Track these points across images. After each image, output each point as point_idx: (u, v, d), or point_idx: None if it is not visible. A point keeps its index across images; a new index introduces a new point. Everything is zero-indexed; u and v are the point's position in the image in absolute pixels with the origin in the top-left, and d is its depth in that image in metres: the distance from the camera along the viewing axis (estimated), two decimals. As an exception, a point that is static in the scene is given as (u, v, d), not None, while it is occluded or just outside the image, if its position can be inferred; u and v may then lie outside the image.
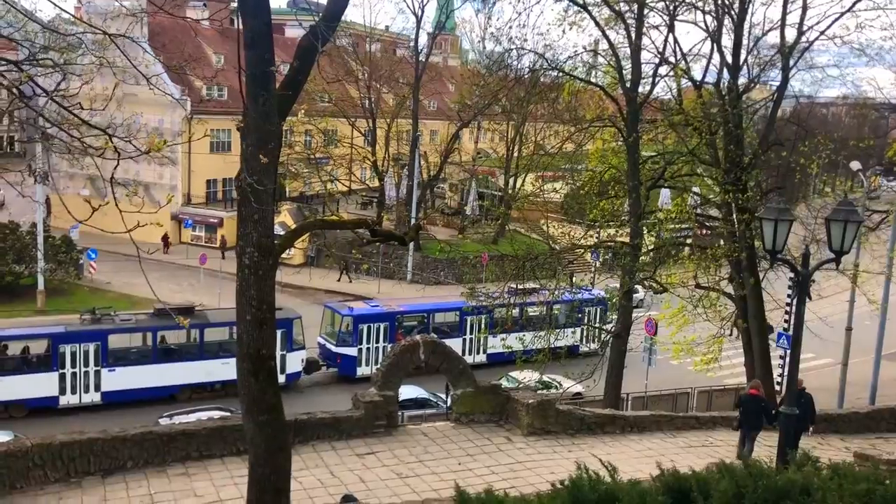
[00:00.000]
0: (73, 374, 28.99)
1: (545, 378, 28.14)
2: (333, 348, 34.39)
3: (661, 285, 24.70)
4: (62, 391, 28.94)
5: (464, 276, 50.51)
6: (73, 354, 28.97)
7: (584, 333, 36.53)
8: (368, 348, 34.20)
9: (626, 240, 24.93)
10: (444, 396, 23.10)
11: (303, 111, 49.53)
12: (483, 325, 35.19)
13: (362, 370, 33.74)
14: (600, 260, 45.74)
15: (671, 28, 23.63)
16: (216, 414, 23.89)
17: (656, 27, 24.30)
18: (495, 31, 50.96)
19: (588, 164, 28.69)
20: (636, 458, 16.15)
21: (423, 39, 60.72)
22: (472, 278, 48.21)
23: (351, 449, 15.84)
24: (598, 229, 27.78)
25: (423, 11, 61.04)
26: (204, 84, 56.97)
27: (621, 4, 23.33)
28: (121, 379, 29.57)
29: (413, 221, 50.06)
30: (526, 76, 25.97)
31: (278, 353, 31.45)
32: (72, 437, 14.30)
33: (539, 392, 23.25)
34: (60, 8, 12.54)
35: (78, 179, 51.58)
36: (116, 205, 9.02)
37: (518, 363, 25.58)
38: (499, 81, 31.22)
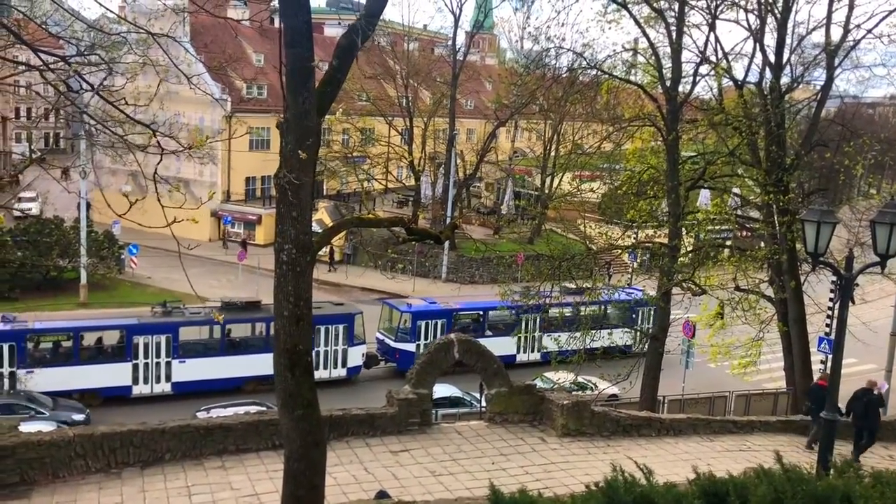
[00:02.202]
0: (146, 365, 30.13)
1: (580, 379, 27.97)
2: (392, 343, 35.02)
3: (699, 287, 24.40)
4: (135, 381, 30.04)
5: (499, 275, 50.40)
6: (146, 346, 30.11)
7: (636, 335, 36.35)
8: (426, 344, 34.55)
9: (665, 241, 24.66)
10: (477, 396, 23.09)
11: (341, 110, 49.70)
12: (537, 324, 35.27)
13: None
14: (638, 261, 45.33)
15: (712, 27, 23.35)
16: (253, 408, 24.20)
17: (697, 26, 24.03)
18: (534, 29, 50.82)
19: (626, 163, 28.40)
20: (672, 462, 15.99)
21: (461, 38, 60.78)
22: (508, 278, 48.08)
23: (385, 446, 15.91)
24: (635, 230, 27.51)
25: (461, 10, 61.32)
26: (244, 83, 57.67)
27: (662, 2, 23.10)
28: (190, 370, 30.50)
29: (448, 220, 50.12)
30: (564, 75, 25.81)
31: (340, 347, 33.07)
32: (112, 428, 14.57)
33: (574, 393, 23.09)
34: (105, 7, 12.80)
35: (120, 176, 52.56)
36: (159, 200, 9.18)
37: (553, 364, 25.47)
38: (537, 80, 31.06)
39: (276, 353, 10.46)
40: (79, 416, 26.56)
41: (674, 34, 23.04)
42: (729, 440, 18.58)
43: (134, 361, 29.92)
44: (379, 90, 61.01)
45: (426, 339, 34.49)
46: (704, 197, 40.05)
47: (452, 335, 18.21)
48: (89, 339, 30.57)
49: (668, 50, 23.43)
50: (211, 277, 44.85)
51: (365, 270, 51.60)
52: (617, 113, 30.73)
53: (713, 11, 23.02)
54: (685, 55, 23.68)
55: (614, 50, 26.01)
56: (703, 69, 24.06)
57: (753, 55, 23.82)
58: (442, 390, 25.05)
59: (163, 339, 30.26)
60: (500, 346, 29.94)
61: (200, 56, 51.06)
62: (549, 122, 59.43)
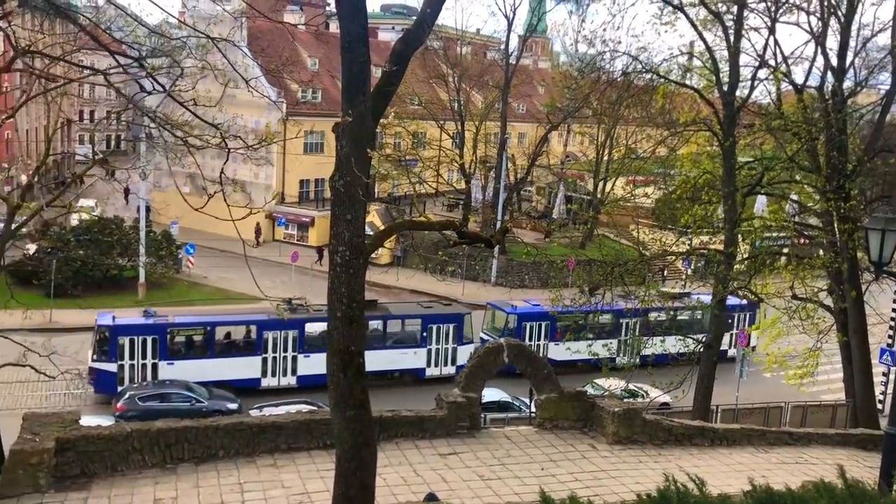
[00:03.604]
0: (274, 359, 31.66)
1: (631, 387, 27.65)
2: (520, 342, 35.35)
3: (755, 295, 23.89)
4: (264, 373, 31.55)
5: (549, 280, 50.11)
6: (275, 340, 31.62)
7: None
8: (531, 345, 35.10)
9: (720, 247, 24.22)
10: (527, 401, 22.99)
11: (393, 113, 50.12)
12: (638, 328, 35.31)
13: None
14: (692, 267, 44.61)
15: (772, 30, 22.87)
16: (304, 408, 24.51)
17: (756, 29, 23.55)
18: (588, 33, 50.49)
19: (681, 168, 27.99)
20: (725, 473, 15.69)
21: (514, 42, 60.65)
22: (559, 283, 47.76)
23: (434, 448, 15.94)
24: (690, 236, 27.09)
25: (514, 14, 61.24)
26: (299, 87, 58.44)
27: (719, 5, 22.71)
28: (314, 364, 31.31)
29: (499, 224, 50.02)
30: (619, 79, 25.57)
31: (450, 345, 33.96)
32: (168, 424, 14.88)
33: (625, 400, 22.83)
34: (167, 12, 13.14)
35: (179, 177, 53.68)
36: (225, 199, 9.38)
37: (604, 371, 25.22)
38: (590, 84, 30.83)
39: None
40: (232, 405, 27.81)
41: (731, 37, 22.63)
42: (785, 452, 18.15)
43: (263, 355, 31.50)
44: (431, 94, 61.26)
45: (530, 340, 35.46)
46: (761, 203, 39.26)
47: (502, 340, 18.17)
48: (222, 334, 32.31)
49: (726, 53, 23.03)
50: (265, 278, 45.33)
51: (415, 273, 51.79)
52: (672, 117, 30.34)
53: (773, 14, 22.55)
54: (743, 59, 23.26)
55: (670, 53, 25.75)
56: (762, 73, 23.62)
57: (814, 59, 23.29)
58: (491, 394, 25.02)
59: (290, 334, 31.65)
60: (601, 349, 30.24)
61: (257, 60, 51.98)
62: (603, 126, 58.92)
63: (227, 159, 9.34)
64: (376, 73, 10.94)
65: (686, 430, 17.92)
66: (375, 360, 31.68)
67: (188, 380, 29.18)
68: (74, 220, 43.47)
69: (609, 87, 27.50)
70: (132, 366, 29.95)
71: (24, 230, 15.73)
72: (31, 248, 39.29)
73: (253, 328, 32.05)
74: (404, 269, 52.45)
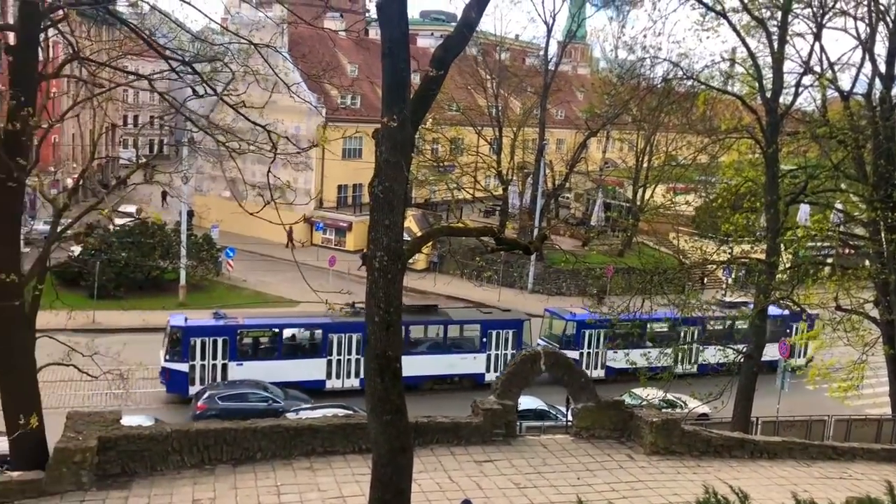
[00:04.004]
0: (339, 361, 32.10)
1: (669, 397, 27.28)
2: (558, 350, 35.43)
3: (798, 305, 23.45)
4: (328, 375, 31.97)
5: (587, 287, 49.75)
6: (340, 343, 32.09)
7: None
8: (590, 352, 35.78)
9: (762, 256, 23.82)
10: (563, 409, 22.81)
11: (431, 119, 50.30)
12: (695, 336, 35.16)
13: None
14: (732, 276, 43.96)
15: (818, 36, 22.48)
16: (340, 412, 24.60)
17: (801, 35, 23.21)
18: (629, 39, 50.09)
19: (722, 176, 27.61)
20: (766, 486, 15.42)
21: (553, 48, 60.44)
22: (596, 290, 47.41)
23: (469, 455, 15.91)
24: (731, 245, 26.69)
25: (553, 20, 60.80)
26: (339, 93, 58.89)
27: (763, 11, 22.38)
28: None
29: (536, 231, 49.81)
30: (659, 85, 25.32)
31: (509, 351, 33.93)
32: (207, 425, 15.09)
33: (663, 411, 22.53)
34: (210, 19, 13.34)
35: (220, 181, 54.43)
36: (274, 205, 9.50)
37: (642, 380, 24.93)
38: (630, 90, 30.58)
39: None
40: (306, 406, 27.98)
41: (775, 43, 22.29)
42: (828, 467, 17.79)
43: (328, 357, 31.90)
44: (469, 100, 61.28)
45: (588, 347, 35.66)
46: (804, 212, 38.57)
47: (539, 348, 18.08)
48: (288, 336, 32.72)
49: (769, 60, 22.68)
50: (302, 282, 45.84)
51: (451, 279, 51.79)
52: (713, 124, 29.95)
53: (819, 20, 22.16)
54: (787, 65, 22.93)
55: (712, 60, 25.39)
56: (807, 80, 23.21)
57: (862, 65, 22.84)
58: (527, 402, 24.88)
59: (354, 337, 31.92)
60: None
61: (298, 65, 52.50)
62: (642, 132, 58.40)
63: (272, 164, 9.46)
64: (416, 79, 10.97)
65: (725, 442, 17.66)
66: (435, 365, 32.93)
67: (255, 381, 29.77)
68: (119, 222, 44.34)
69: (649, 94, 27.25)
70: (203, 366, 30.62)
71: (68, 232, 16.01)
72: (76, 249, 40.06)
73: (318, 331, 32.55)
74: (441, 275, 52.48)
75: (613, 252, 53.33)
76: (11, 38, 13.85)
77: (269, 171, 9.81)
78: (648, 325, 35.48)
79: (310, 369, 31.63)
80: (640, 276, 24.00)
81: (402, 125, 9.89)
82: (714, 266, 26.67)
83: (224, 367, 30.77)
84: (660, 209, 51.54)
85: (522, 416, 20.83)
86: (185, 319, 31.39)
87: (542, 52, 62.46)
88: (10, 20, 21.44)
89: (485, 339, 34.29)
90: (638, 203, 57.31)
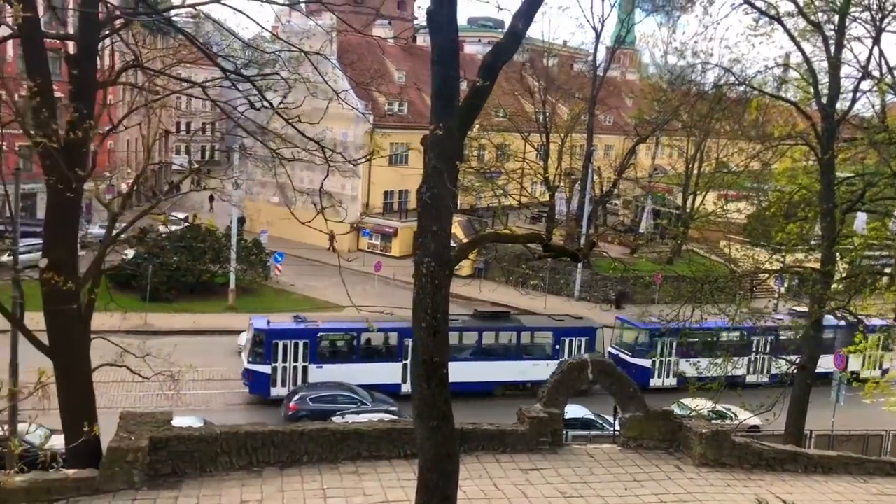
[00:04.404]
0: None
1: (719, 408, 26.78)
2: (629, 359, 35.91)
3: (854, 316, 22.82)
4: (404, 380, 32.22)
5: (636, 295, 49.17)
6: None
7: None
8: (661, 361, 35.71)
9: (816, 265, 23.25)
10: (610, 419, 22.56)
11: (478, 125, 50.32)
12: (769, 347, 35.30)
13: (654, 381, 35.37)
14: (785, 286, 43.04)
15: (877, 40, 21.88)
16: (386, 416, 24.71)
17: (859, 39, 22.58)
18: (679, 44, 49.52)
19: (775, 183, 27.04)
20: (820, 502, 15.06)
21: (602, 53, 60.04)
22: (645, 299, 46.86)
23: (515, 463, 15.81)
24: (784, 253, 26.12)
25: (602, 26, 60.44)
26: (387, 100, 59.33)
27: (819, 15, 21.88)
28: (451, 372, 31.75)
29: (584, 237, 49.41)
30: (710, 91, 24.95)
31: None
32: (255, 428, 15.26)
33: (713, 422, 22.13)
34: (262, 27, 13.55)
35: (269, 187, 55.20)
36: (322, 213, 9.61)
37: (691, 390, 24.53)
38: (681, 96, 30.19)
39: (413, 364, 10.63)
40: (393, 408, 28.67)
41: (832, 48, 21.78)
42: (886, 483, 17.26)
43: (404, 362, 32.08)
44: (516, 106, 61.17)
45: (661, 355, 35.62)
46: (861, 220, 37.62)
47: (586, 355, 17.90)
48: (365, 340, 33.31)
49: (825, 64, 22.19)
50: (348, 287, 46.31)
51: (497, 286, 51.65)
52: (766, 130, 29.38)
53: (878, 24, 21.58)
54: (844, 70, 22.35)
55: (765, 65, 24.95)
56: (865, 84, 22.64)
57: (924, 69, 22.10)
58: (573, 411, 24.68)
59: None
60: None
61: (347, 73, 53.04)
62: (692, 138, 57.62)
63: (326, 177, 9.58)
64: (463, 85, 10.98)
65: (778, 455, 17.26)
66: (508, 371, 33.27)
67: (340, 383, 30.38)
68: (171, 228, 45.20)
69: (700, 100, 26.89)
70: (284, 368, 31.33)
71: (122, 236, 16.37)
72: (129, 253, 41.01)
73: (394, 335, 32.99)
74: (486, 282, 52.39)
75: (662, 260, 52.68)
76: (71, 47, 14.20)
77: (321, 185, 9.95)
78: (719, 335, 35.05)
79: (386, 373, 32.11)
80: (690, 285, 23.61)
81: (451, 132, 9.90)
82: (766, 275, 26.08)
83: (304, 369, 31.47)
84: (710, 216, 50.78)
85: (569, 425, 20.66)
86: (268, 322, 32.11)
87: (590, 58, 62.14)
88: (70, 30, 22.04)
89: (557, 347, 34.50)
90: (688, 210, 56.51)
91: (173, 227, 45.08)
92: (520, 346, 34.30)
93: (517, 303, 47.95)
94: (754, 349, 35.68)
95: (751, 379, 35.36)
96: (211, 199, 61.53)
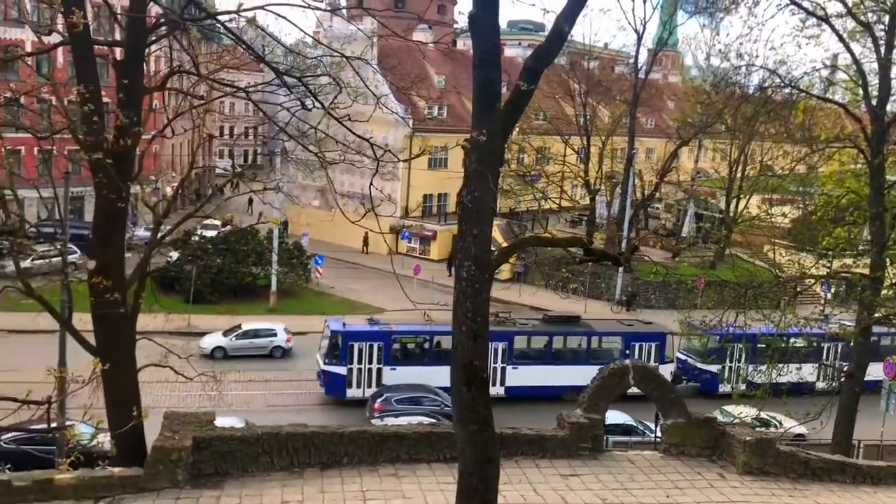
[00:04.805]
0: None
1: (763, 415, 26.27)
2: (698, 364, 35.82)
3: (904, 323, 22.25)
4: None
5: (677, 300, 48.58)
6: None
7: None
8: (730, 367, 35.44)
9: (866, 271, 22.70)
10: (651, 425, 22.29)
11: (518, 129, 50.17)
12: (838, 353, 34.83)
13: (724, 387, 35.10)
14: (832, 292, 42.14)
15: (929, 40, 21.30)
16: (425, 420, 24.73)
17: (910, 39, 21.99)
18: (723, 46, 48.74)
19: (822, 187, 26.49)
20: (869, 513, 14.65)
21: (643, 56, 59.46)
22: (687, 304, 46.25)
23: (555, 469, 15.70)
24: (831, 258, 25.56)
25: (644, 28, 59.95)
26: (427, 103, 59.52)
27: (869, 15, 21.38)
28: (521, 376, 32.91)
29: (625, 241, 48.98)
30: (755, 93, 24.53)
31: (652, 364, 33.68)
32: (296, 429, 15.37)
33: (757, 430, 21.73)
34: (304, 32, 13.68)
35: (310, 191, 55.76)
36: (375, 214, 9.76)
37: (735, 398, 24.13)
38: (724, 99, 29.74)
39: (453, 368, 10.62)
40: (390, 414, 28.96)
41: (882, 49, 21.25)
42: (938, 495, 16.76)
43: None
44: (556, 109, 60.89)
45: (730, 361, 35.22)
46: (913, 225, 36.71)
47: (628, 361, 17.71)
48: (437, 343, 33.50)
49: (875, 66, 21.63)
50: (387, 289, 46.41)
51: (536, 290, 51.40)
52: (812, 133, 28.80)
53: (930, 23, 21.01)
54: (895, 71, 21.77)
55: (812, 67, 24.45)
56: (918, 85, 21.99)
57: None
58: (614, 417, 24.44)
59: (500, 346, 32.74)
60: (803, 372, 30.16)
61: (387, 77, 53.35)
62: (736, 142, 56.77)
63: (374, 176, 9.70)
64: (504, 89, 10.95)
65: (825, 465, 16.89)
66: (576, 375, 32.58)
67: (422, 385, 30.76)
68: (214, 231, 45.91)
69: (744, 102, 26.44)
70: (359, 370, 31.88)
71: (167, 239, 16.66)
72: (174, 255, 41.73)
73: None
74: (525, 286, 52.19)
75: (705, 264, 51.95)
76: (119, 53, 14.49)
77: (370, 185, 10.07)
78: (790, 341, 34.45)
79: None
80: (734, 290, 23.21)
81: (492, 136, 9.88)
82: (812, 281, 25.54)
83: (379, 371, 31.93)
84: (754, 220, 49.96)
85: (609, 431, 20.45)
86: (344, 325, 32.63)
87: (631, 61, 61.61)
88: (118, 36, 22.50)
89: (627, 352, 34.47)
90: (731, 214, 55.69)
91: (221, 230, 45.75)
92: (590, 350, 34.34)
93: (557, 307, 47.64)
94: (825, 356, 35.04)
95: (821, 386, 34.95)
96: (250, 201, 62.23)
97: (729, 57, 24.64)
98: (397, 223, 58.28)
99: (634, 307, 48.41)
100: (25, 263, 40.14)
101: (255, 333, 37.14)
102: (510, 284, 51.57)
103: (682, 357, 36.14)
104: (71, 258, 31.45)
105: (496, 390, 32.42)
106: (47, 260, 35.41)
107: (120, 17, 15.57)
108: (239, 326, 37.22)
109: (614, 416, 24.42)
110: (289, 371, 35.45)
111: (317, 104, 12.84)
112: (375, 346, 31.93)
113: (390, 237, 57.91)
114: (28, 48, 42.57)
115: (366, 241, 55.85)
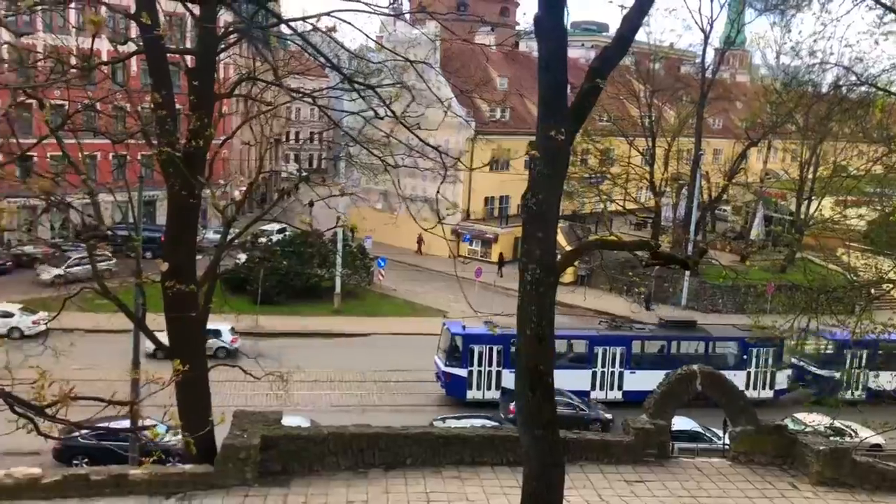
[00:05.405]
0: (602, 373, 33.68)
1: (837, 424, 25.42)
2: (815, 370, 35.27)
3: None
4: (592, 386, 33.42)
5: (746, 305, 47.39)
6: (604, 355, 33.60)
7: None
8: (850, 373, 34.91)
9: (947, 276, 21.76)
10: (719, 432, 21.80)
11: (582, 130, 49.58)
12: None
13: (842, 394, 34.35)
14: (910, 296, 40.53)
15: None
16: (488, 423, 24.69)
17: None
18: (794, 44, 47.44)
19: (900, 188, 25.51)
20: (952, 528, 14.03)
21: (710, 55, 58.22)
22: (756, 309, 45.05)
23: (620, 474, 15.51)
24: (910, 262, 24.54)
25: (711, 27, 58.72)
26: (490, 106, 59.48)
27: (953, 8, 20.49)
28: (638, 380, 32.93)
29: (691, 244, 48.02)
30: (829, 92, 23.75)
31: (769, 368, 34.43)
32: (361, 429, 15.55)
33: (831, 439, 21.04)
34: (368, 37, 13.84)
35: (373, 194, 56.25)
36: (440, 220, 9.83)
37: (806, 405, 23.41)
38: (796, 98, 28.91)
39: (518, 372, 10.57)
40: (608, 416, 30.00)
41: (966, 43, 20.40)
42: None
43: (593, 369, 33.33)
44: (621, 110, 60.09)
45: (851, 367, 34.68)
46: None
47: (695, 366, 17.37)
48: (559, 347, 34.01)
49: (959, 61, 20.76)
50: (449, 292, 46.54)
51: (601, 293, 50.81)
52: (890, 132, 27.74)
53: None
54: (981, 66, 20.84)
55: (891, 63, 23.55)
56: None
57: None
58: (680, 423, 24.00)
59: (617, 350, 33.40)
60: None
61: (450, 81, 53.50)
62: (808, 142, 55.08)
63: (442, 183, 9.80)
64: (568, 91, 10.86)
65: (904, 477, 16.24)
66: None
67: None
68: (281, 234, 46.77)
69: (817, 101, 25.64)
70: (479, 372, 32.41)
71: (236, 241, 17.02)
72: (242, 257, 42.64)
73: (584, 343, 33.73)
74: (590, 289, 51.62)
75: (775, 268, 50.56)
76: (190, 60, 14.88)
77: (437, 190, 10.17)
78: None
79: (575, 379, 32.43)
80: (806, 295, 22.50)
81: (558, 138, 9.80)
82: (891, 285, 24.56)
83: (499, 374, 32.34)
84: (827, 223, 48.40)
85: (675, 437, 20.08)
86: (463, 327, 32.88)
87: (698, 60, 60.43)
88: (189, 44, 23.14)
89: (745, 357, 34.29)
90: (802, 216, 54.08)
91: (284, 234, 46.53)
92: (706, 355, 33.99)
93: (622, 311, 47.05)
94: None
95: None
96: (310, 204, 63.10)
97: (801, 55, 24.11)
98: (459, 226, 58.36)
99: (652, 307, 47.81)
100: (58, 271, 41.96)
101: None
102: (574, 288, 51.03)
103: (795, 363, 35.38)
104: (105, 265, 32.72)
105: (614, 394, 33.03)
106: (83, 266, 36.93)
107: (191, 27, 16.00)
108: None
109: (680, 423, 23.98)
110: (355, 371, 35.79)
111: (388, 112, 12.97)
112: (495, 349, 32.31)
113: (444, 243, 58.10)
114: (104, 57, 44.07)
115: (420, 242, 56.05)
